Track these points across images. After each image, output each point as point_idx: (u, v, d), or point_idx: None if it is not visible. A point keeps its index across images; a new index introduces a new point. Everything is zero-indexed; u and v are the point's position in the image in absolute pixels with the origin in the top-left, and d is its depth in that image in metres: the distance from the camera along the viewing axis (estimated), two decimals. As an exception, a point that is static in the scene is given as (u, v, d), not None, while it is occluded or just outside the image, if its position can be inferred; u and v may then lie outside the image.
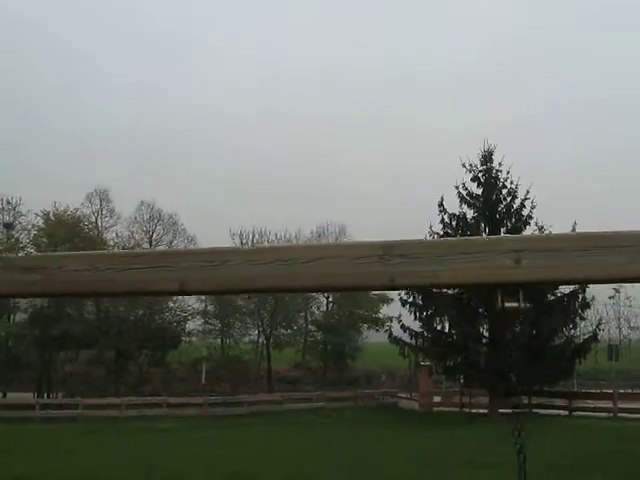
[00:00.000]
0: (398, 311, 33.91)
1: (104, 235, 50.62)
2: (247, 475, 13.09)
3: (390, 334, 34.46)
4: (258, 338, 51.92)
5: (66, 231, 44.86)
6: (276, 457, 16.27)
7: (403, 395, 42.26)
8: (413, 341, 33.19)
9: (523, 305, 1.87)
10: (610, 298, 48.67)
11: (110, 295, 2.17)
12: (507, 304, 1.88)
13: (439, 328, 32.63)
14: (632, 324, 50.68)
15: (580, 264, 1.80)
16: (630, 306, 49.95)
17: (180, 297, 49.74)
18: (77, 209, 49.57)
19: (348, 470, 13.88)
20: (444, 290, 32.31)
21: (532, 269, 1.82)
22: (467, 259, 1.85)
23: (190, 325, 51.04)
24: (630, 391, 37.42)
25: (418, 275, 1.87)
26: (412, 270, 1.87)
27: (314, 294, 54.43)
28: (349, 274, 1.89)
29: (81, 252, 2.15)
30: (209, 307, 51.02)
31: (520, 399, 29.97)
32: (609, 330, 47.64)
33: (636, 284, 1.86)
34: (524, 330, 27.45)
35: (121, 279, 2.01)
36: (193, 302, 50.39)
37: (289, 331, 52.06)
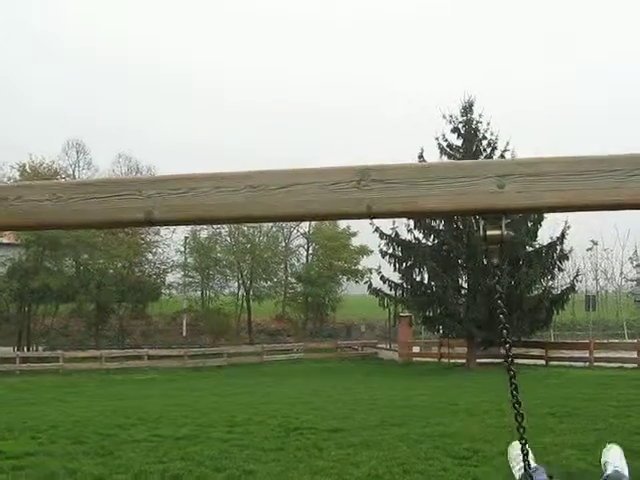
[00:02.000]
0: (378, 263, 33.99)
1: (82, 188, 50.07)
2: (244, 419, 13.15)
3: (370, 285, 34.56)
4: (238, 290, 52.04)
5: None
6: (267, 406, 16.36)
7: (383, 346, 42.68)
8: (393, 292, 33.34)
9: (506, 233, 1.79)
10: (588, 250, 49.12)
11: (73, 227, 2.06)
12: (489, 232, 1.79)
13: (418, 279, 32.76)
14: (609, 275, 51.22)
15: (567, 189, 1.72)
16: (607, 258, 50.44)
17: (160, 250, 49.71)
18: (53, 161, 49.06)
19: (335, 414, 13.99)
20: (423, 241, 32.46)
21: (516, 195, 1.74)
22: (448, 184, 1.75)
23: (170, 278, 51.05)
24: (606, 341, 37.94)
25: (396, 202, 1.78)
26: (390, 197, 1.77)
27: (293, 246, 54.66)
28: (323, 201, 1.79)
29: (42, 181, 2.03)
30: (189, 259, 50.96)
31: (499, 349, 30.36)
32: (586, 282, 48.18)
33: (630, 211, 1.78)
34: (502, 281, 27.59)
35: (83, 208, 1.90)
36: (172, 254, 50.36)
37: (269, 283, 52.19)
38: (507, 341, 1.94)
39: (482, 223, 1.80)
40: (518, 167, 1.75)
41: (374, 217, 1.87)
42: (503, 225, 1.78)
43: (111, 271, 46.55)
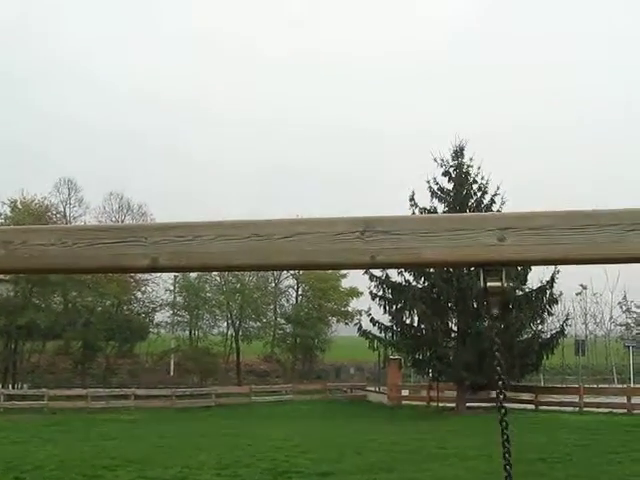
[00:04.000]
0: (368, 304, 33.95)
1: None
2: (232, 462, 13.01)
3: (360, 327, 34.50)
4: (227, 330, 51.75)
5: (34, 220, 44.23)
6: (256, 448, 16.20)
7: (372, 388, 42.40)
8: (382, 335, 33.25)
9: (506, 285, 1.82)
10: (577, 294, 49.11)
11: (78, 272, 2.08)
12: (490, 284, 1.82)
13: (408, 322, 32.72)
14: (598, 320, 51.21)
15: (566, 243, 1.76)
16: (597, 302, 50.44)
17: (150, 289, 49.50)
18: (45, 198, 49.04)
19: (325, 458, 13.87)
20: (413, 283, 32.48)
21: (516, 248, 1.77)
22: (450, 236, 1.79)
23: (158, 317, 50.77)
24: (596, 386, 37.82)
25: (400, 253, 1.81)
26: (393, 247, 1.80)
27: (283, 287, 54.54)
28: (328, 251, 1.82)
29: (47, 226, 2.06)
30: (178, 298, 50.74)
31: (489, 393, 30.22)
32: (576, 326, 48.11)
33: (624, 265, 1.82)
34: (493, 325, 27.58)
35: (89, 254, 1.92)
36: (162, 293, 50.15)
37: (258, 324, 51.93)
38: (503, 406, 1.94)
39: (482, 275, 1.83)
40: (518, 221, 1.79)
41: (378, 267, 1.90)
42: (504, 277, 1.82)
43: (99, 309, 46.25)
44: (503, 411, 1.92)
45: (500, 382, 1.97)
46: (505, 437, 1.93)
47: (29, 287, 41.35)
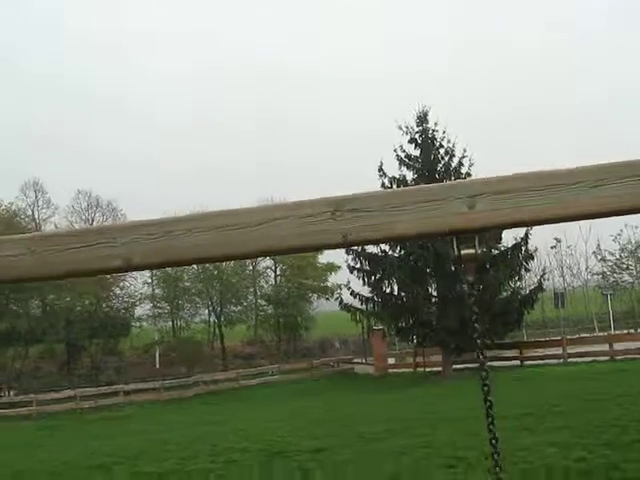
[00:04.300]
0: (346, 278, 34.07)
1: (43, 227, 49.58)
2: (226, 448, 13.05)
3: (340, 301, 34.61)
4: (209, 317, 51.72)
5: (4, 227, 43.73)
6: (248, 431, 16.25)
7: (358, 360, 42.66)
8: (364, 306, 33.40)
9: (480, 251, 1.84)
10: (552, 248, 49.69)
11: (51, 279, 2.06)
12: (463, 251, 1.83)
13: (388, 291, 32.88)
14: (575, 271, 51.87)
15: (535, 204, 1.77)
16: (572, 254, 51.09)
17: (128, 283, 49.25)
18: (12, 203, 48.50)
19: (317, 434, 13.96)
20: (390, 253, 32.60)
21: (487, 213, 1.78)
22: (420, 208, 1.79)
23: (139, 310, 50.59)
24: (577, 336, 38.38)
25: (371, 229, 1.81)
26: (365, 224, 1.81)
27: (261, 269, 54.51)
28: (300, 234, 1.82)
29: (15, 235, 2.03)
30: (157, 290, 50.57)
31: (472, 354, 30.50)
32: (553, 279, 48.75)
33: (593, 220, 1.84)
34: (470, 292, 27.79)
35: (60, 260, 1.90)
36: (140, 287, 49.96)
37: (239, 308, 51.94)
38: (485, 369, 1.95)
39: (455, 243, 1.84)
40: (486, 186, 1.80)
41: (350, 246, 1.90)
42: (477, 244, 1.83)
43: (79, 308, 45.98)
44: (486, 388, 1.92)
45: (480, 354, 1.98)
46: (488, 404, 1.92)
47: (5, 294, 40.97)
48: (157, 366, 48.34)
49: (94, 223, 50.35)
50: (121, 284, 49.47)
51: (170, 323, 52.14)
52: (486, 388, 1.91)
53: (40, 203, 50.89)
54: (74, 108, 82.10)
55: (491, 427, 1.91)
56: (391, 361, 39.53)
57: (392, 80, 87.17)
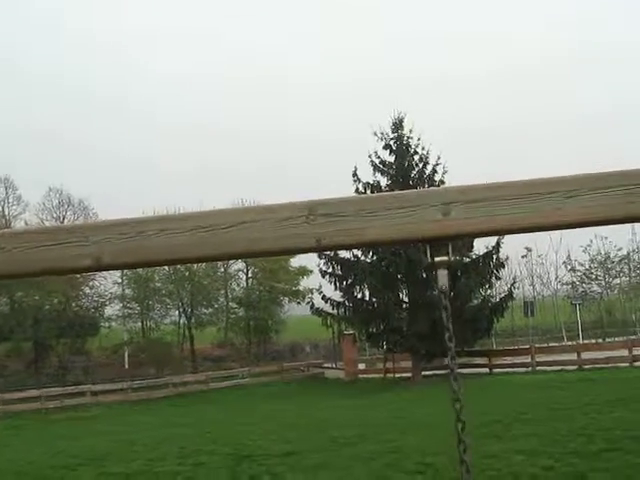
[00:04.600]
0: (318, 282, 34.07)
1: (13, 224, 48.99)
2: (194, 450, 12.97)
3: (312, 306, 34.62)
4: (179, 319, 51.44)
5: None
6: (217, 434, 16.17)
7: (328, 365, 42.67)
8: (335, 311, 33.42)
9: (453, 259, 1.84)
10: (523, 257, 50.12)
11: (20, 276, 2.03)
12: (437, 258, 1.83)
13: (360, 296, 32.93)
14: (545, 281, 52.33)
15: (509, 213, 1.78)
16: (542, 263, 51.55)
17: (97, 283, 48.83)
18: (-19, 199, 47.91)
19: (287, 438, 13.92)
20: (362, 258, 32.66)
21: (461, 221, 1.78)
22: (394, 214, 1.79)
23: (109, 310, 50.15)
24: (546, 345, 38.70)
25: (345, 234, 1.81)
26: (338, 229, 1.80)
27: (233, 271, 54.32)
28: (273, 237, 1.81)
29: (-17, 232, 1.99)
30: (127, 290, 50.18)
31: (443, 361, 30.64)
32: (523, 288, 49.14)
33: (562, 230, 1.85)
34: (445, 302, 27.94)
35: (30, 258, 1.87)
36: (110, 287, 49.54)
37: (210, 310, 51.72)
38: (455, 377, 1.94)
39: (429, 251, 1.84)
40: (460, 194, 1.80)
41: (324, 250, 1.89)
42: (450, 252, 1.83)
43: (47, 307, 45.50)
44: (455, 395, 1.91)
45: (452, 361, 1.97)
46: (458, 408, 1.92)
47: (-28, 291, 40.49)
48: (126, 367, 47.94)
49: (65, 221, 49.84)
50: (91, 283, 49.02)
51: (140, 324, 51.75)
52: (457, 395, 1.90)
53: (10, 199, 50.29)
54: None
55: (462, 433, 1.90)
56: (361, 366, 39.60)
57: (367, 85, 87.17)
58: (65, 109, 78.79)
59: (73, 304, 48.04)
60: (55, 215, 50.76)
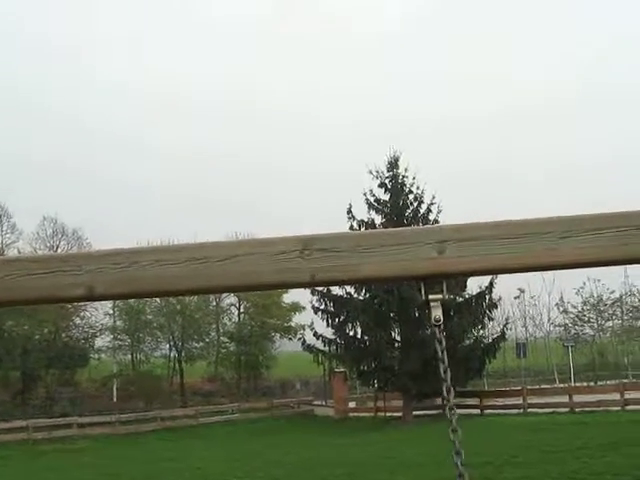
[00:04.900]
0: (310, 319, 33.98)
1: (6, 253, 48.81)
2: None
3: (303, 342, 34.48)
4: (170, 352, 51.08)
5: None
6: (204, 471, 15.98)
7: (319, 402, 42.36)
8: (327, 348, 33.28)
9: (447, 297, 1.84)
10: (516, 298, 50.09)
11: (11, 304, 2.01)
12: (431, 296, 1.83)
13: (352, 334, 32.82)
14: (537, 322, 52.26)
15: (504, 252, 1.78)
16: (535, 305, 51.52)
17: (89, 314, 48.58)
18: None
19: (273, 475, 13.77)
20: (355, 296, 32.60)
21: (456, 259, 1.78)
22: (389, 251, 1.79)
23: (99, 342, 49.79)
24: (538, 387, 38.54)
25: (339, 270, 1.80)
26: (333, 265, 1.80)
27: (225, 305, 54.15)
28: (267, 271, 1.81)
29: (-25, 259, 1.98)
30: (118, 322, 49.90)
31: (434, 401, 30.52)
32: (516, 329, 49.05)
33: (561, 271, 1.85)
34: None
35: (22, 286, 1.86)
36: (101, 318, 49.27)
37: (201, 344, 51.42)
38: (452, 420, 1.93)
39: (423, 288, 1.83)
40: (456, 233, 1.80)
41: (318, 285, 1.89)
42: (444, 289, 1.83)
43: (37, 337, 45.17)
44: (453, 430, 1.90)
45: (447, 394, 1.96)
46: (457, 445, 1.92)
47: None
48: (114, 399, 47.50)
49: (58, 251, 49.69)
50: (82, 314, 48.76)
51: (130, 356, 51.38)
52: (454, 437, 1.90)
53: (5, 228, 50.17)
54: (67, 135, 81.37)
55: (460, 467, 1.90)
56: (352, 405, 39.33)
57: (363, 122, 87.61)
58: (59, 138, 78.78)
59: (63, 334, 47.71)
60: (49, 244, 50.61)
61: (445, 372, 1.93)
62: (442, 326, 1.90)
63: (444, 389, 1.91)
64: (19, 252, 48.47)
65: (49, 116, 78.91)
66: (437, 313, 1.86)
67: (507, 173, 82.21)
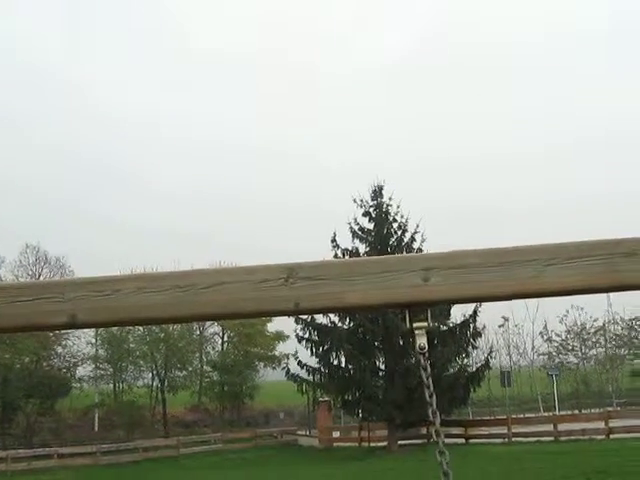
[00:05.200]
0: (294, 348, 33.81)
1: (-13, 280, 48.46)
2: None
3: (287, 371, 34.27)
4: (152, 381, 50.64)
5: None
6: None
7: (302, 432, 42.06)
8: (311, 377, 33.10)
9: (432, 325, 1.83)
10: (500, 327, 50.15)
11: (-9, 332, 1.99)
12: (415, 324, 1.82)
13: (336, 363, 32.68)
14: (521, 350, 52.30)
15: (489, 280, 1.78)
16: (519, 333, 51.58)
17: (71, 342, 48.15)
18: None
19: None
20: (339, 324, 32.51)
21: (441, 287, 1.78)
22: (374, 279, 1.79)
23: (80, 371, 49.32)
24: (523, 416, 38.46)
25: (324, 298, 1.80)
26: (317, 293, 1.79)
27: (208, 334, 53.88)
28: (252, 299, 1.80)
29: (-44, 287, 1.96)
30: (100, 351, 49.48)
31: (419, 430, 30.37)
32: (500, 357, 49.03)
33: (544, 298, 1.85)
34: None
35: (3, 313, 1.84)
36: (83, 347, 48.85)
37: (184, 373, 51.04)
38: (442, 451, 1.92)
39: (408, 316, 1.83)
40: (442, 260, 1.80)
41: (302, 314, 1.88)
42: (429, 317, 1.82)
43: (18, 366, 44.66)
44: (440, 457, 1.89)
45: (435, 431, 1.94)
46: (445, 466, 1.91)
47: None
48: (95, 429, 46.98)
49: (41, 279, 49.39)
50: (64, 342, 48.35)
51: (112, 386, 50.91)
52: (442, 458, 1.89)
53: (-14, 256, 49.82)
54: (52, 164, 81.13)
55: None
56: (336, 434, 39.05)
57: (351, 159, 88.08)
58: (42, 166, 78.61)
59: (44, 363, 47.23)
60: (31, 272, 50.33)
61: (431, 397, 1.92)
62: (427, 354, 1.89)
63: (430, 413, 1.90)
64: (1, 279, 48.14)
65: (34, 143, 78.68)
66: (422, 341, 1.86)
67: (492, 209, 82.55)
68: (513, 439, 29.77)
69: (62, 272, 49.99)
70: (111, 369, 49.55)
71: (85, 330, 46.02)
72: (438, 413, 1.90)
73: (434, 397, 1.91)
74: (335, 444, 36.94)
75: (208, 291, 1.80)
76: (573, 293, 1.81)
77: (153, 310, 1.82)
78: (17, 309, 1.83)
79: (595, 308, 49.14)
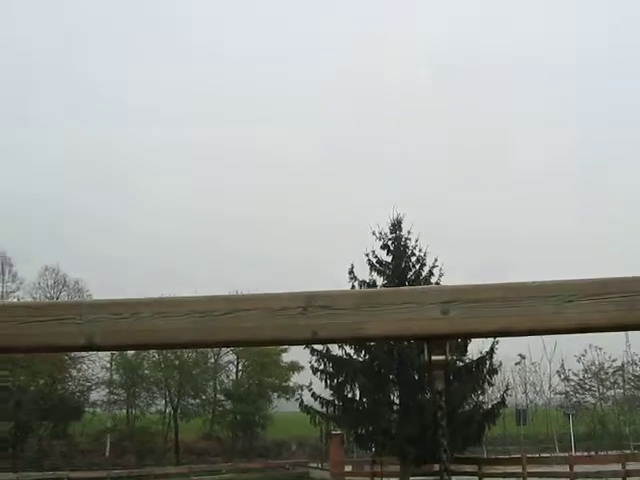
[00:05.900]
0: (309, 379, 33.58)
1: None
2: None
3: (301, 402, 33.99)
4: (165, 408, 50.53)
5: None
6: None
7: (314, 465, 41.69)
8: (324, 409, 32.84)
9: (450, 358, 1.82)
10: (516, 364, 49.70)
11: (10, 352, 1.99)
12: (434, 357, 1.81)
13: (350, 396, 32.42)
14: (538, 389, 51.75)
15: (508, 315, 1.76)
16: (535, 371, 51.08)
17: (85, 366, 48.22)
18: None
19: None
20: (354, 356, 32.32)
21: (460, 320, 1.77)
22: (392, 310, 1.78)
23: (94, 395, 49.30)
24: (538, 455, 37.94)
25: (341, 328, 1.79)
26: (336, 323, 1.78)
27: (223, 362, 53.77)
28: (269, 327, 1.79)
29: (-23, 305, 1.97)
30: (115, 376, 49.49)
31: (432, 467, 30.00)
32: (516, 395, 48.52)
33: (565, 335, 1.83)
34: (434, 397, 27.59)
35: (22, 333, 1.85)
36: (98, 371, 48.89)
37: (197, 400, 50.89)
38: None
39: (427, 349, 1.81)
40: (461, 293, 1.79)
41: (319, 343, 1.87)
42: (447, 350, 1.81)
43: (32, 388, 44.71)
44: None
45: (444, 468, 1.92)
46: None
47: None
48: (106, 454, 46.82)
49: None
50: (79, 366, 48.42)
51: (125, 411, 50.82)
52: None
53: (6, 277, 50.22)
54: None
55: None
56: (348, 468, 38.64)
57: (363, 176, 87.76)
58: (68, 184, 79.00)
59: (59, 386, 47.28)
60: (49, 295, 50.57)
61: (443, 436, 1.90)
62: (443, 392, 1.87)
63: (441, 450, 1.88)
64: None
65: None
66: (439, 381, 1.84)
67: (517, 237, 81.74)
68: (528, 479, 29.30)
69: (80, 296, 50.21)
70: (125, 394, 49.52)
71: (101, 354, 46.08)
72: (448, 451, 1.88)
73: (446, 436, 1.89)
74: (347, 478, 36.53)
75: (226, 317, 1.80)
76: (592, 330, 1.79)
77: (170, 335, 1.82)
78: (35, 329, 1.84)
79: (613, 348, 48.63)
